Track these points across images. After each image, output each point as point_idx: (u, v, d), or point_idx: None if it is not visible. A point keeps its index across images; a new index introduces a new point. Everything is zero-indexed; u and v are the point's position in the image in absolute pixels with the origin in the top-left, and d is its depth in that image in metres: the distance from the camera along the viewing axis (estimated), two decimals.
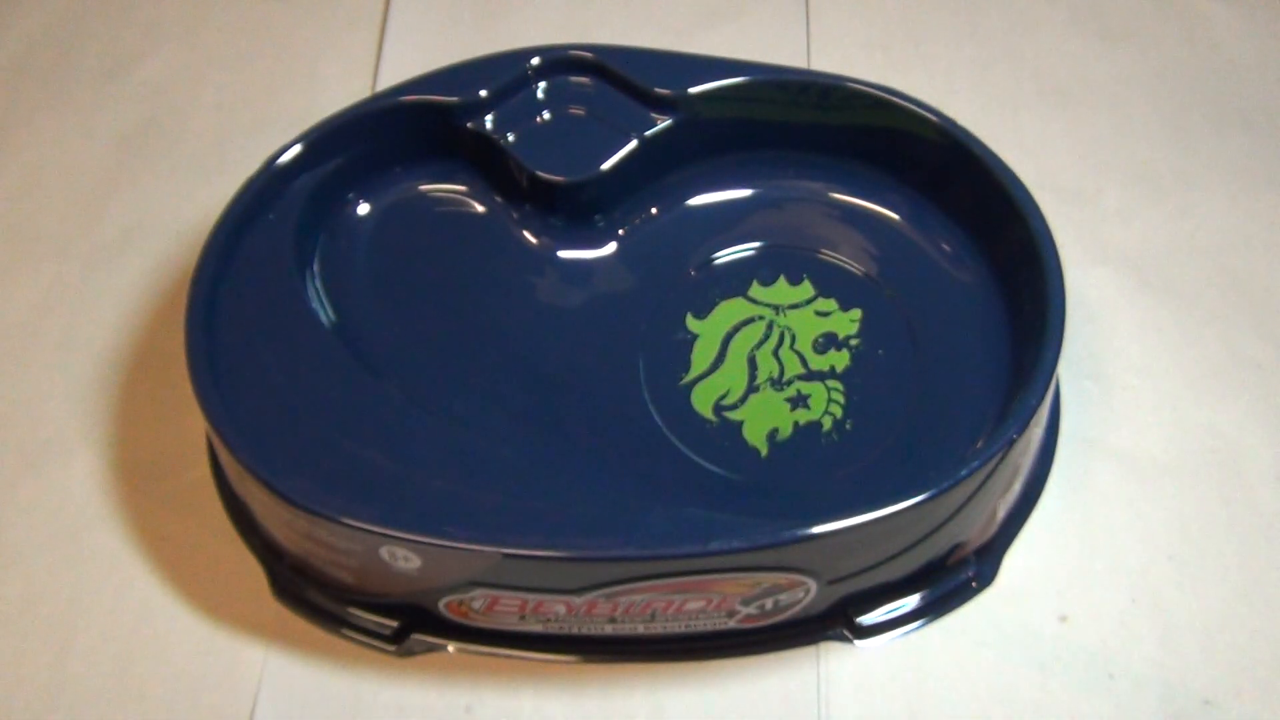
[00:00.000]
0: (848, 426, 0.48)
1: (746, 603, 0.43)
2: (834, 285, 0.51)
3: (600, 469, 0.46)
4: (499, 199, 0.52)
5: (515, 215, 0.52)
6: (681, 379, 0.49)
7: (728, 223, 0.53)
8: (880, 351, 0.50)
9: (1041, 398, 0.43)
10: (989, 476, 0.43)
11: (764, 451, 0.48)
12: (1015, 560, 0.48)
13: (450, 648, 0.47)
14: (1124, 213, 0.58)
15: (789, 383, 0.49)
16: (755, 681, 0.46)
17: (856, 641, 0.46)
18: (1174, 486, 0.50)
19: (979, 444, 0.46)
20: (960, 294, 0.50)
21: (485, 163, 0.52)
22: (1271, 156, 0.59)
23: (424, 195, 0.53)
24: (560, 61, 0.51)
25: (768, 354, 0.50)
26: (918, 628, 0.47)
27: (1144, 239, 0.57)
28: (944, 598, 0.47)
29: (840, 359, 0.50)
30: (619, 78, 0.51)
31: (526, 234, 0.52)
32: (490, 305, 0.51)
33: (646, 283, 0.52)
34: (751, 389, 0.49)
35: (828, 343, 0.50)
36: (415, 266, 0.51)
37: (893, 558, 0.44)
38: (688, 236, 0.53)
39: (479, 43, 0.64)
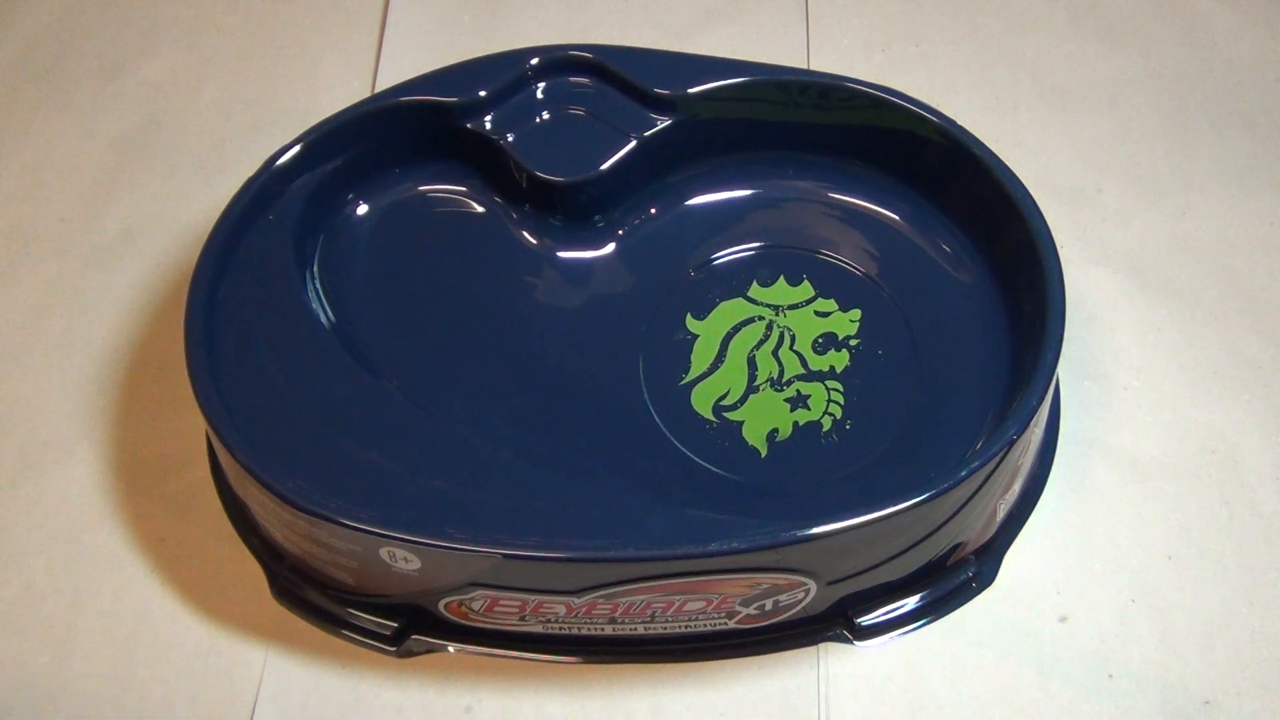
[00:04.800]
0: (848, 426, 0.48)
1: (746, 603, 0.43)
2: (834, 285, 0.51)
3: (600, 469, 0.46)
4: (499, 199, 0.52)
5: (515, 215, 0.52)
6: (681, 379, 0.49)
7: (728, 223, 0.53)
8: (880, 351, 0.50)
9: (1041, 398, 0.43)
10: (989, 476, 0.43)
11: (764, 452, 0.48)
12: (1015, 560, 0.48)
13: (450, 648, 0.47)
14: (1124, 213, 0.58)
15: (789, 383, 0.49)
16: (755, 681, 0.46)
17: (856, 642, 0.46)
18: (1174, 486, 0.50)
19: (979, 444, 0.46)
20: (960, 294, 0.50)
21: (485, 163, 0.52)
22: (1271, 157, 0.59)
23: (424, 195, 0.53)
24: (560, 61, 0.51)
25: (767, 354, 0.50)
26: (918, 628, 0.47)
27: (1144, 239, 0.57)
28: (944, 598, 0.47)
29: (840, 359, 0.50)
30: (619, 78, 0.51)
31: (526, 234, 0.52)
32: (490, 305, 0.51)
33: (646, 283, 0.52)
34: (751, 389, 0.49)
35: (828, 343, 0.50)
36: (415, 266, 0.51)
37: (892, 558, 0.44)
38: (687, 236, 0.53)
39: (479, 43, 0.64)
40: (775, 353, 0.50)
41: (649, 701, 0.46)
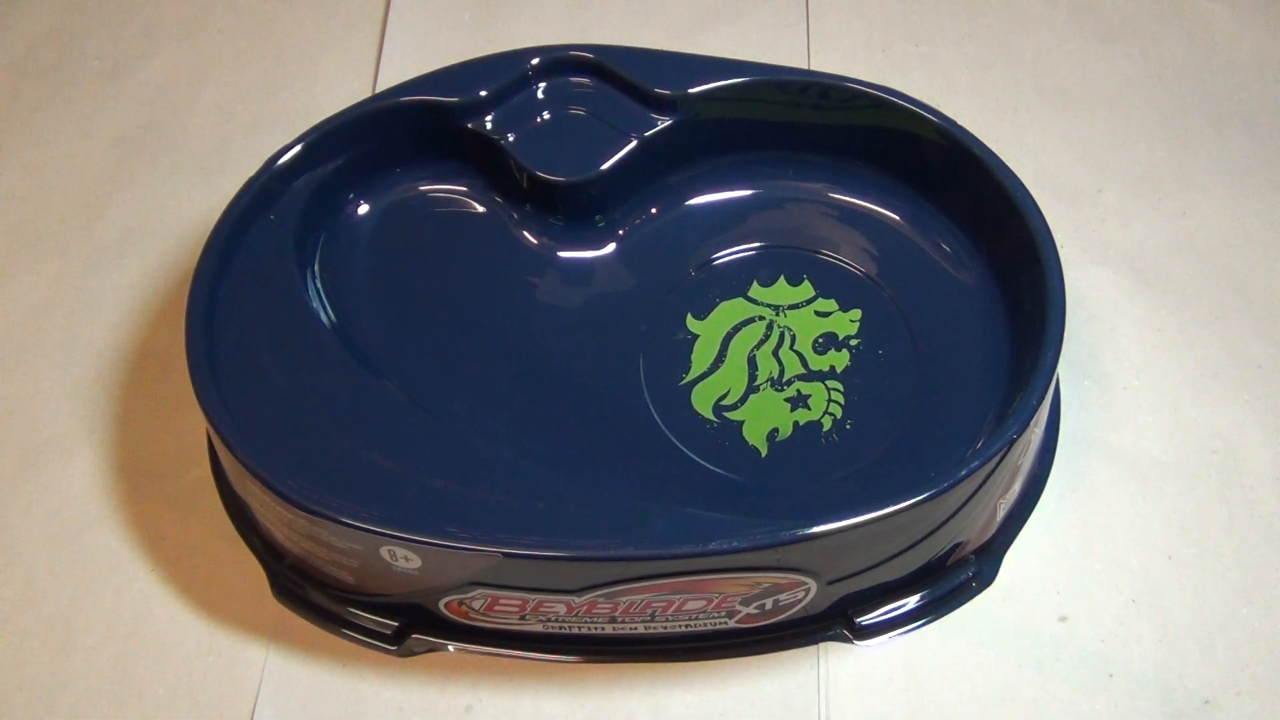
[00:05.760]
0: (848, 426, 0.48)
1: (746, 603, 0.43)
2: (834, 285, 0.51)
3: (600, 469, 0.46)
4: (499, 199, 0.52)
5: (515, 215, 0.52)
6: (681, 379, 0.49)
7: (728, 223, 0.53)
8: (880, 351, 0.50)
9: (1041, 398, 0.43)
10: (989, 476, 0.43)
11: (764, 451, 0.48)
12: (1015, 560, 0.48)
13: (450, 648, 0.47)
14: (1124, 213, 0.58)
15: (789, 383, 0.49)
16: (755, 681, 0.46)
17: (856, 642, 0.46)
18: (1174, 486, 0.50)
19: (979, 444, 0.46)
20: (960, 294, 0.50)
21: (485, 163, 0.52)
22: (1271, 156, 0.59)
23: (424, 195, 0.53)
24: (560, 61, 0.51)
25: (768, 354, 0.50)
26: (918, 628, 0.47)
27: (1144, 239, 0.57)
28: (944, 598, 0.47)
29: (840, 359, 0.50)
30: (619, 78, 0.51)
31: (526, 234, 0.52)
32: (490, 305, 0.51)
33: (646, 283, 0.52)
34: (751, 389, 0.49)
35: (828, 343, 0.50)
36: (415, 266, 0.51)
37: (893, 558, 0.44)
38: (688, 236, 0.53)
39: (479, 43, 0.64)
40: (775, 352, 0.50)
41: (649, 701, 0.46)
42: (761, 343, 0.50)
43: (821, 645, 0.47)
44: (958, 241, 0.51)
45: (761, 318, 0.51)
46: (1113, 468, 0.50)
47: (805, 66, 0.63)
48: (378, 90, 0.62)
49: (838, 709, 0.45)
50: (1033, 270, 0.46)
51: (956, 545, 0.46)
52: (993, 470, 0.42)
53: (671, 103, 0.50)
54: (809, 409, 0.48)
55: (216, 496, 0.51)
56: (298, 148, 0.49)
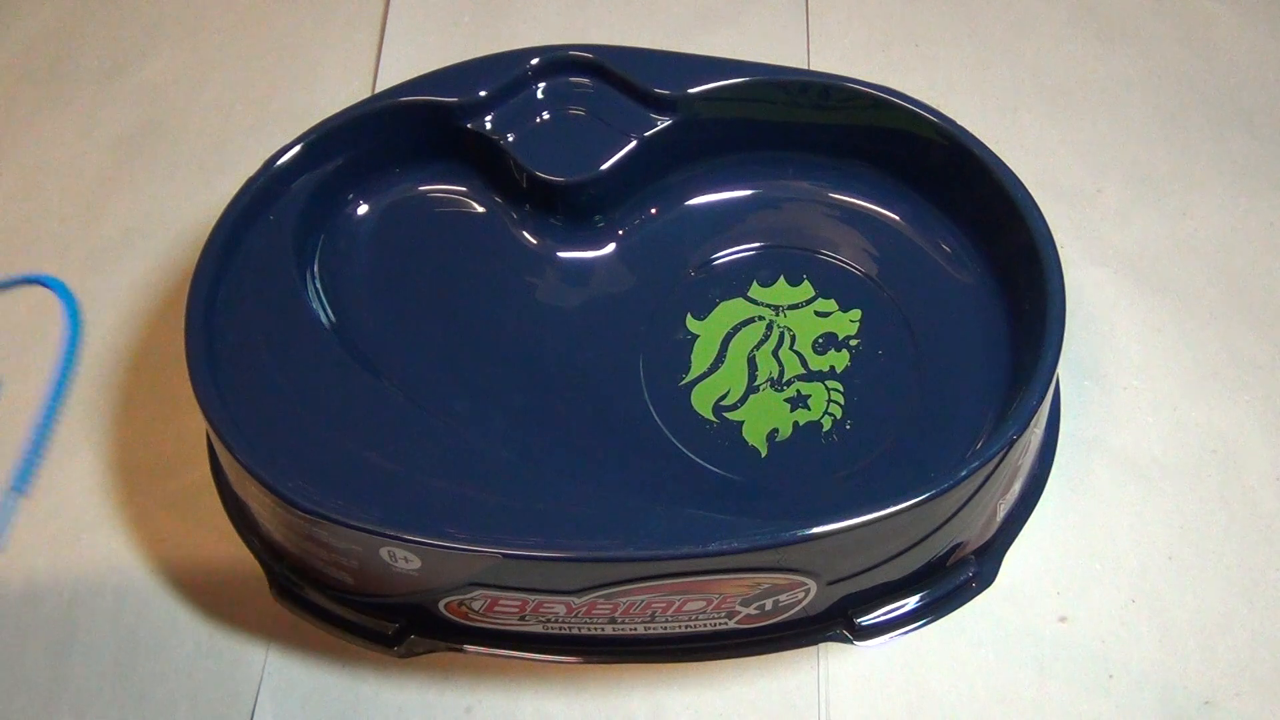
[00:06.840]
0: (848, 426, 0.48)
1: (746, 603, 0.43)
2: (834, 285, 0.51)
3: (600, 469, 0.46)
4: (499, 199, 0.52)
5: (515, 215, 0.52)
6: (681, 379, 0.49)
7: (728, 223, 0.53)
8: (880, 352, 0.50)
9: (1041, 398, 0.43)
10: (989, 476, 0.43)
11: (764, 452, 0.48)
12: (1015, 560, 0.48)
13: (450, 648, 0.47)
14: (1124, 213, 0.58)
15: (789, 383, 0.49)
16: (755, 681, 0.46)
17: (856, 642, 0.46)
18: (1174, 486, 0.50)
19: (979, 444, 0.46)
20: (960, 294, 0.50)
21: (485, 163, 0.52)
22: (1271, 156, 0.59)
23: (424, 195, 0.53)
24: (560, 61, 0.51)
25: (767, 354, 0.50)
26: (918, 628, 0.47)
27: (1144, 239, 0.57)
28: (944, 598, 0.47)
29: (840, 359, 0.50)
30: (619, 78, 0.51)
31: (526, 234, 0.52)
32: (490, 305, 0.51)
33: (646, 283, 0.52)
34: (751, 389, 0.49)
35: (828, 343, 0.50)
36: (415, 266, 0.51)
37: (893, 558, 0.44)
38: (688, 237, 0.53)
39: (479, 43, 0.64)
40: (775, 353, 0.50)
41: (649, 701, 0.46)
42: (761, 343, 0.50)
43: (821, 645, 0.47)
44: (958, 241, 0.51)
45: (761, 318, 0.51)
46: (1113, 468, 0.50)
47: (805, 66, 0.63)
48: (378, 90, 0.62)
49: (838, 709, 0.45)
50: (1033, 270, 0.46)
51: (956, 545, 0.46)
52: (993, 470, 0.42)
53: (671, 103, 0.50)
54: (809, 409, 0.48)
55: (216, 496, 0.51)
56: (297, 148, 0.49)
